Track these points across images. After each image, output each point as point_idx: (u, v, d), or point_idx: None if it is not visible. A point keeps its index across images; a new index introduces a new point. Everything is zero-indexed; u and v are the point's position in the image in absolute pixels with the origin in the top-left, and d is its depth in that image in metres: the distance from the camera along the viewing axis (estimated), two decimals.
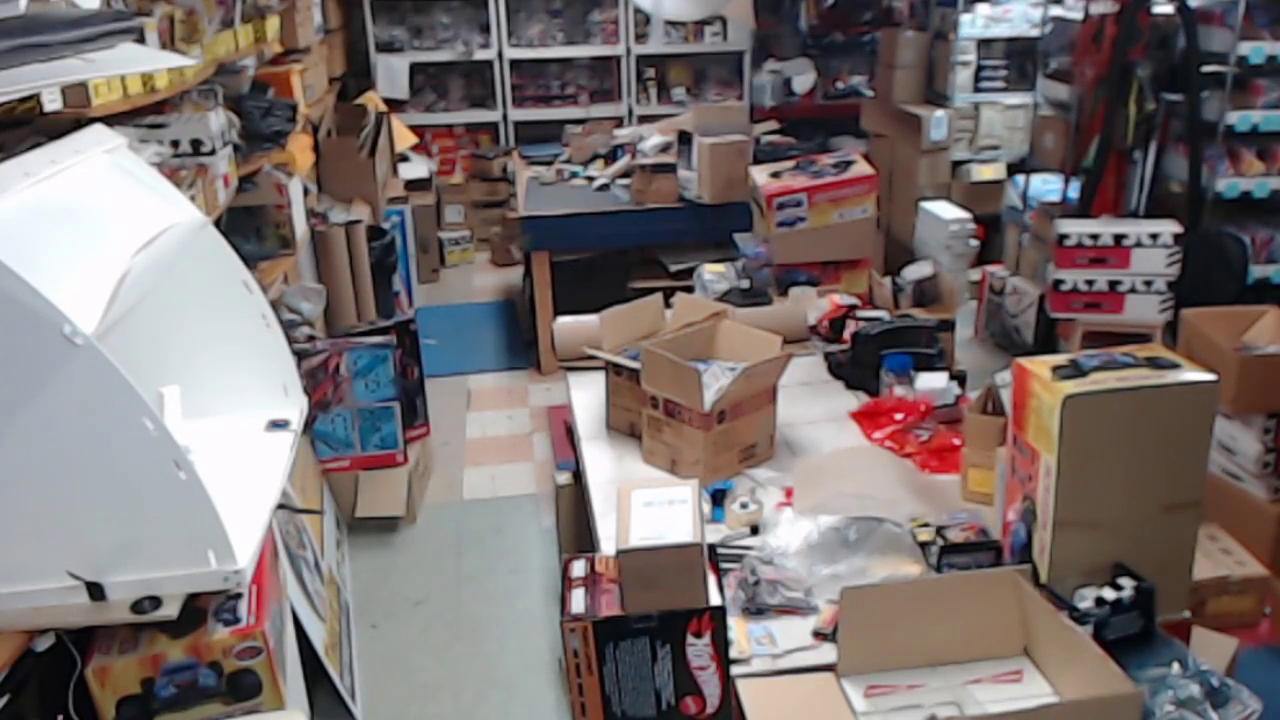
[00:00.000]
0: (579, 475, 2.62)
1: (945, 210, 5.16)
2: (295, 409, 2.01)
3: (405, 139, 6.18)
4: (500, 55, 6.67)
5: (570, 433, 2.70)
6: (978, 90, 5.52)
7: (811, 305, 3.12)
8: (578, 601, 1.75)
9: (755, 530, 2.06)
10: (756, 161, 4.20)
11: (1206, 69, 3.93)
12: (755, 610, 1.82)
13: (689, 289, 3.34)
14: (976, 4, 5.45)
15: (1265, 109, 3.90)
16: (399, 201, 5.52)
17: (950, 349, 2.86)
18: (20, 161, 1.62)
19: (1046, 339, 4.28)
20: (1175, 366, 1.69)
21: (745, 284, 3.34)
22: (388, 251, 4.68)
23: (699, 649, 1.70)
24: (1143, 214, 4.24)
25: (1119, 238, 3.92)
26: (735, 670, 1.70)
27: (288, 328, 2.94)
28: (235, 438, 1.91)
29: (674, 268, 4.61)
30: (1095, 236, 3.95)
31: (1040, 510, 1.71)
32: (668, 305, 2.70)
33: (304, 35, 4.70)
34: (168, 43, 2.73)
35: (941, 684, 1.64)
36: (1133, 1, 3.99)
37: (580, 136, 5.63)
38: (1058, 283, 4.03)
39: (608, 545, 1.96)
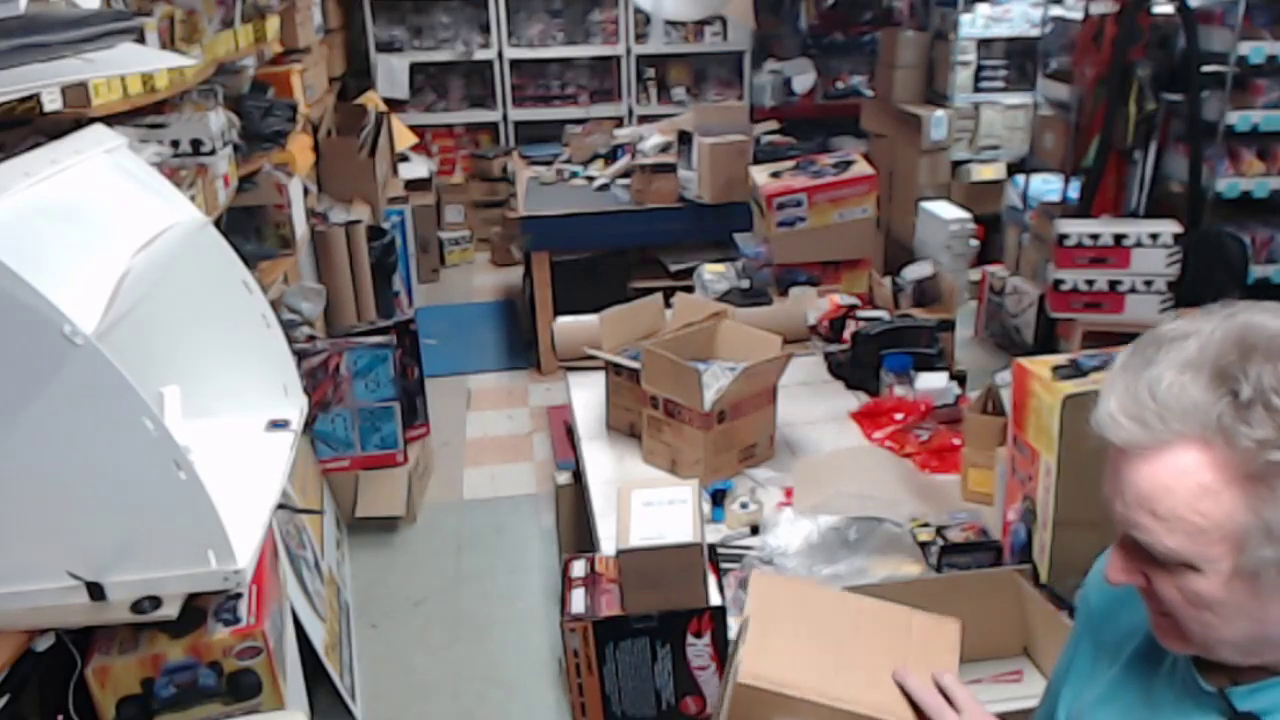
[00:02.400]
0: (579, 475, 2.62)
1: (945, 210, 5.16)
2: (295, 409, 2.01)
3: (405, 139, 6.18)
4: (500, 55, 6.68)
5: (570, 433, 2.70)
6: (978, 90, 5.52)
7: (811, 305, 3.12)
8: (578, 601, 1.75)
9: (755, 530, 2.06)
10: (756, 161, 4.19)
11: (1206, 69, 3.93)
12: None
13: (689, 289, 3.34)
14: (976, 4, 5.45)
15: (1265, 109, 3.90)
16: (399, 201, 5.52)
17: (950, 349, 2.85)
18: (20, 161, 1.62)
19: (1046, 339, 4.28)
20: None
21: (745, 284, 3.33)
22: (388, 251, 4.68)
23: (699, 649, 1.70)
24: (1143, 214, 4.24)
25: (1119, 238, 3.92)
26: None
27: (288, 328, 2.94)
28: (235, 438, 1.91)
29: (674, 268, 4.61)
30: (1095, 236, 3.95)
31: (1040, 510, 1.71)
32: (668, 305, 2.70)
33: (304, 35, 4.70)
34: (168, 43, 2.73)
35: None
36: (1133, 1, 3.99)
37: (580, 136, 5.62)
38: (1058, 283, 4.03)
39: (608, 545, 1.96)
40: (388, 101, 6.31)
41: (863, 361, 2.68)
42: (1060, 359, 1.71)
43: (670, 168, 4.64)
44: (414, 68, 6.71)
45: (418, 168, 6.25)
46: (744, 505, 2.10)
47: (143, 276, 1.61)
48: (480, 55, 6.70)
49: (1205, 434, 0.80)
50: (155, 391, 1.70)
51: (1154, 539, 0.85)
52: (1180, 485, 0.82)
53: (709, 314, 2.52)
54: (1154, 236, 3.90)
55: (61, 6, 2.04)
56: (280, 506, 2.18)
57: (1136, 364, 0.85)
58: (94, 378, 1.36)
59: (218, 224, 2.45)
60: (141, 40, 2.36)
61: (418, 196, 5.97)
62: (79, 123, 2.09)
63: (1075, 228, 4.00)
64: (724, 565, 1.88)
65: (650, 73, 6.86)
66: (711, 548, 1.91)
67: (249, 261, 2.14)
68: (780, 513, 2.10)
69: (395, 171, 5.91)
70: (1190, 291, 3.86)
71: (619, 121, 6.55)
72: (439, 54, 6.72)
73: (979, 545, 1.86)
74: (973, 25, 5.43)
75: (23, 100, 1.92)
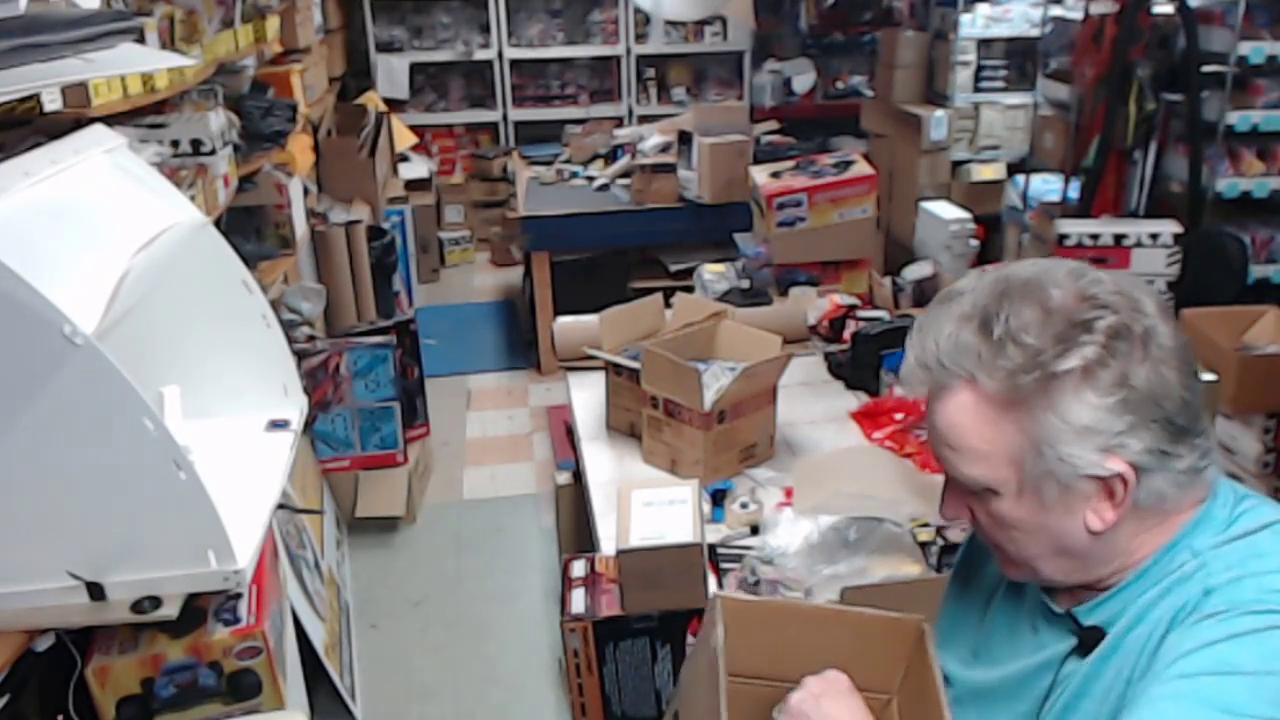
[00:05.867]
0: (579, 475, 2.62)
1: (945, 210, 5.16)
2: (295, 409, 2.01)
3: (405, 139, 6.18)
4: (500, 55, 6.68)
5: (570, 433, 2.70)
6: (978, 90, 5.52)
7: (811, 305, 3.12)
8: (578, 601, 1.75)
9: (755, 530, 2.06)
10: (756, 161, 4.19)
11: (1206, 69, 3.93)
12: None
13: (689, 289, 3.34)
14: (976, 4, 5.44)
15: (1265, 109, 3.90)
16: (399, 201, 5.52)
17: None
18: (20, 161, 1.62)
19: None
20: None
21: (745, 284, 3.34)
22: (388, 251, 4.68)
23: None
24: (1143, 214, 4.24)
25: (1119, 238, 3.92)
26: None
27: (288, 328, 2.94)
28: (235, 438, 1.91)
29: (674, 268, 4.61)
30: (1095, 236, 3.95)
31: None
32: (668, 305, 2.70)
33: (304, 35, 4.70)
34: (168, 43, 2.73)
35: None
36: (1133, 1, 3.99)
37: (580, 136, 5.62)
38: None
39: (608, 545, 1.96)
40: (388, 101, 6.31)
41: (863, 361, 2.68)
42: None
43: (670, 168, 4.64)
44: (414, 68, 6.71)
45: (418, 168, 6.25)
46: (744, 505, 2.10)
47: (143, 276, 1.61)
48: (480, 55, 6.70)
49: (973, 372, 0.93)
50: (155, 391, 1.70)
51: (957, 470, 0.98)
52: (964, 419, 0.94)
53: (709, 314, 2.52)
54: (1154, 236, 3.90)
55: (61, 6, 2.04)
56: (280, 506, 2.18)
57: (928, 322, 0.97)
58: (94, 378, 1.36)
59: (218, 224, 2.45)
60: (141, 40, 2.35)
61: (418, 196, 5.97)
62: (79, 123, 2.08)
63: (1075, 228, 4.00)
64: (724, 565, 1.88)
65: (650, 73, 6.86)
66: (711, 548, 1.92)
67: (249, 261, 2.14)
68: (780, 513, 2.10)
69: (395, 171, 5.91)
70: (1190, 291, 3.86)
71: (619, 121, 6.55)
72: (439, 54, 6.72)
73: None
74: (973, 25, 5.42)
75: (23, 100, 1.92)
